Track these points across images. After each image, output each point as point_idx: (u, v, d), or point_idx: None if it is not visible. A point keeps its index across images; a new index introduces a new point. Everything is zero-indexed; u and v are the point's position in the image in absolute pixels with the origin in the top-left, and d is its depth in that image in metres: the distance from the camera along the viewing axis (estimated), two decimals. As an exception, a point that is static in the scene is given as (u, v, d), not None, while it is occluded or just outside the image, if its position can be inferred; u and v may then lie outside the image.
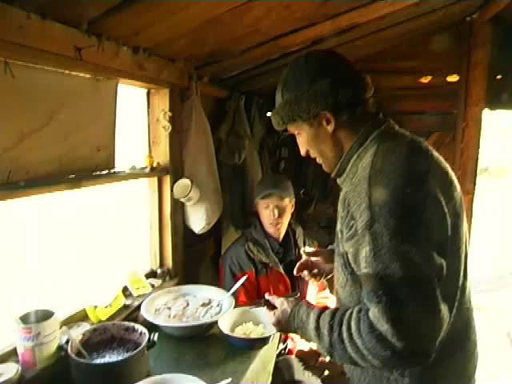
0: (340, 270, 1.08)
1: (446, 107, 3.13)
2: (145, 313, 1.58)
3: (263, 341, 1.56)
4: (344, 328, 0.91)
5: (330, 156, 1.09)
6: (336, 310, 0.99)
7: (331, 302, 2.01)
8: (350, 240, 0.95)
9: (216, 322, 1.58)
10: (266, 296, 1.19)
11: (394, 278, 0.84)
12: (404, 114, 3.13)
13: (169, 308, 1.67)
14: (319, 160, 1.13)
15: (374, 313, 0.86)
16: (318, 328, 0.97)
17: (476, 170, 2.97)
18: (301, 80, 1.03)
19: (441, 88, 3.09)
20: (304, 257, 1.45)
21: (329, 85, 0.99)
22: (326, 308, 1.03)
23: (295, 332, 1.07)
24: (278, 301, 1.14)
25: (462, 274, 1.02)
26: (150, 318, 1.55)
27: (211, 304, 1.70)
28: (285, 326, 1.10)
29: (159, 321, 1.57)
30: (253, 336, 1.59)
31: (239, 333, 1.61)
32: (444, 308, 0.86)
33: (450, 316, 0.92)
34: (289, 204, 2.06)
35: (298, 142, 1.13)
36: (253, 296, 1.97)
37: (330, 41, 2.14)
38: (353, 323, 0.90)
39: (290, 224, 2.15)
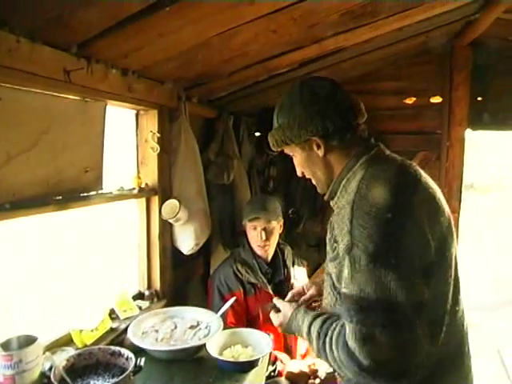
0: (329, 290, 1.10)
1: (430, 127, 3.20)
2: (132, 336, 1.55)
3: (252, 363, 1.53)
4: (327, 339, 0.98)
5: (322, 178, 1.12)
6: (327, 318, 1.04)
7: None
8: (333, 261, 1.00)
9: (204, 345, 1.55)
10: (274, 300, 1.26)
11: (368, 301, 0.88)
12: (390, 133, 3.19)
13: (156, 331, 1.64)
14: (313, 181, 1.17)
15: (347, 330, 0.91)
16: (309, 333, 1.05)
17: (461, 188, 3.03)
18: (293, 107, 1.07)
19: (425, 108, 3.18)
20: (295, 287, 1.52)
21: (318, 112, 1.03)
22: (321, 314, 1.08)
23: (295, 334, 1.16)
24: (281, 304, 1.23)
25: (450, 297, 1.01)
26: (137, 342, 1.52)
27: (199, 326, 1.67)
28: (286, 328, 1.18)
29: (146, 344, 1.53)
30: (242, 359, 1.57)
31: (228, 355, 1.58)
32: (419, 334, 0.87)
33: (433, 341, 0.94)
34: (277, 225, 2.06)
35: (294, 162, 1.18)
36: (242, 317, 1.95)
37: (317, 63, 2.20)
38: (334, 336, 0.96)
39: (278, 244, 2.15)
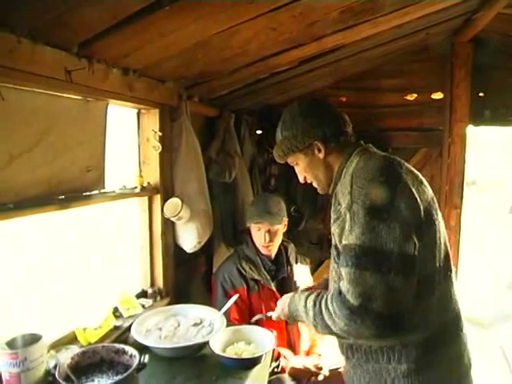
0: (333, 263, 1.25)
1: (431, 124, 3.19)
2: (135, 334, 1.56)
3: (255, 360, 1.54)
4: (323, 301, 1.15)
5: (323, 179, 1.30)
6: (321, 292, 1.22)
7: None
8: (336, 222, 1.16)
9: (207, 342, 1.56)
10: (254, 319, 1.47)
11: (362, 248, 1.04)
12: (391, 130, 3.20)
13: (160, 328, 1.65)
14: (314, 184, 1.34)
15: (342, 275, 1.07)
16: (305, 306, 1.21)
17: (463, 185, 3.02)
18: (295, 120, 1.28)
19: (426, 105, 3.17)
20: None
21: (317, 121, 1.25)
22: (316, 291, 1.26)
23: (292, 317, 1.32)
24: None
25: (439, 259, 1.16)
26: (141, 339, 1.53)
27: (202, 324, 1.68)
28: (286, 313, 1.35)
29: (150, 342, 1.54)
30: (245, 355, 1.57)
31: (231, 352, 1.59)
32: (406, 282, 1.03)
33: (421, 294, 1.09)
34: (281, 226, 2.06)
35: (297, 171, 1.36)
36: (245, 313, 1.96)
37: (317, 61, 2.20)
38: (329, 296, 1.13)
39: (282, 241, 2.15)
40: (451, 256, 1.25)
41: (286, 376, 1.85)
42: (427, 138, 3.22)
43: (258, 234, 2.03)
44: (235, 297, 1.79)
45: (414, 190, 1.10)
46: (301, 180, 1.37)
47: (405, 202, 1.07)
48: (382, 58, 2.98)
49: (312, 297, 1.21)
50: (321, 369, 1.87)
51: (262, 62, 1.92)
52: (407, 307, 1.06)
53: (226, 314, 1.73)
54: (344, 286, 1.06)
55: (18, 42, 1.09)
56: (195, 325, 1.67)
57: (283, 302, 1.39)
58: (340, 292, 1.07)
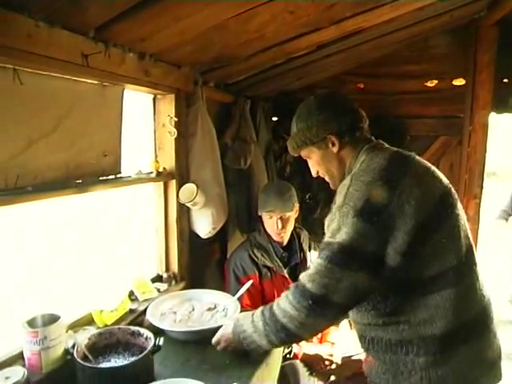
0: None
1: (452, 111, 3.11)
2: (150, 317, 1.58)
3: None
4: (273, 305, 1.18)
5: (335, 173, 1.30)
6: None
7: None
8: (328, 217, 1.18)
9: (221, 327, 1.58)
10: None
11: (343, 246, 1.05)
12: (410, 117, 3.13)
13: (174, 312, 1.67)
14: (327, 178, 1.34)
15: (312, 266, 1.11)
16: (252, 320, 1.23)
17: (483, 174, 2.94)
18: (311, 112, 1.27)
19: (447, 92, 3.08)
20: None
21: (333, 114, 1.24)
22: None
23: (236, 340, 1.31)
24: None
25: (456, 254, 1.13)
26: (156, 322, 1.56)
27: (217, 309, 1.70)
28: (227, 336, 1.35)
29: (164, 325, 1.57)
30: None
31: None
32: (371, 281, 1.07)
33: (432, 287, 1.10)
34: (292, 213, 2.05)
35: (310, 165, 1.37)
36: (257, 300, 1.97)
37: (335, 45, 2.15)
38: (282, 295, 1.17)
39: (294, 228, 2.14)
40: (474, 250, 1.22)
41: (298, 362, 1.86)
42: (447, 126, 3.14)
43: (270, 221, 2.03)
44: (249, 283, 1.80)
45: (417, 190, 1.08)
46: (313, 174, 1.38)
47: (401, 207, 1.05)
48: (403, 43, 2.90)
49: (257, 311, 1.25)
50: (333, 356, 1.88)
51: (279, 47, 1.89)
52: (357, 301, 1.13)
53: (239, 300, 1.74)
54: (309, 275, 1.10)
55: (35, 26, 1.09)
56: (209, 309, 1.69)
57: (223, 329, 1.40)
58: (297, 286, 1.12)
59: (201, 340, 1.56)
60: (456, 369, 1.12)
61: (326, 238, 1.13)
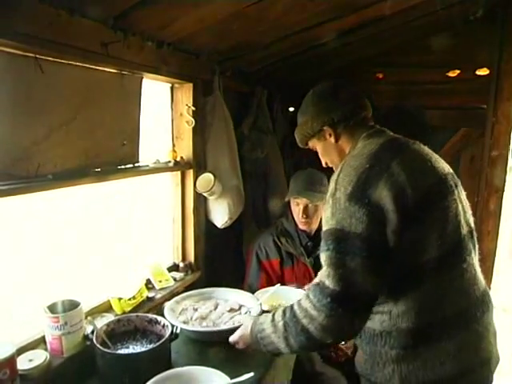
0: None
1: (474, 102, 3.01)
2: (167, 311, 1.56)
3: None
4: (295, 304, 1.12)
5: (338, 163, 1.30)
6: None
7: None
8: (324, 207, 1.14)
9: (237, 329, 1.47)
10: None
11: (343, 232, 1.03)
12: (430, 108, 3.05)
13: (195, 309, 1.63)
14: (334, 168, 1.33)
15: (322, 260, 1.06)
16: (273, 319, 1.17)
17: (506, 168, 2.86)
18: (307, 107, 1.32)
19: (469, 82, 2.98)
20: None
21: (326, 106, 1.27)
22: None
23: (255, 340, 1.22)
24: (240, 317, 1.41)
25: (442, 247, 1.08)
26: (169, 317, 1.50)
27: (240, 311, 1.65)
28: (246, 335, 1.28)
29: (176, 322, 1.50)
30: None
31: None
32: (380, 265, 1.03)
33: (412, 278, 1.07)
34: (320, 203, 1.99)
35: (319, 155, 1.39)
36: (274, 284, 1.96)
37: (355, 34, 2.11)
38: (304, 294, 1.11)
39: None
40: (475, 240, 1.19)
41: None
42: (468, 117, 3.05)
43: (297, 208, 2.03)
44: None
45: (405, 175, 1.05)
46: (323, 164, 1.40)
47: (389, 189, 1.02)
48: (423, 31, 2.82)
49: (279, 310, 1.18)
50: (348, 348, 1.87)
51: (298, 35, 1.86)
52: (380, 290, 1.06)
53: (256, 282, 1.75)
54: (324, 270, 1.05)
55: (57, 14, 1.10)
56: (231, 310, 1.64)
57: (243, 328, 1.32)
58: (318, 283, 1.06)
59: (212, 340, 1.51)
60: (429, 366, 1.08)
61: (325, 228, 1.09)
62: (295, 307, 1.11)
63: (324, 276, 1.04)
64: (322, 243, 1.08)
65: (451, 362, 1.09)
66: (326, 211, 1.10)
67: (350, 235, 1.02)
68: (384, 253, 1.03)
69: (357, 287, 1.01)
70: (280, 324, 1.13)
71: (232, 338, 1.34)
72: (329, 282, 1.02)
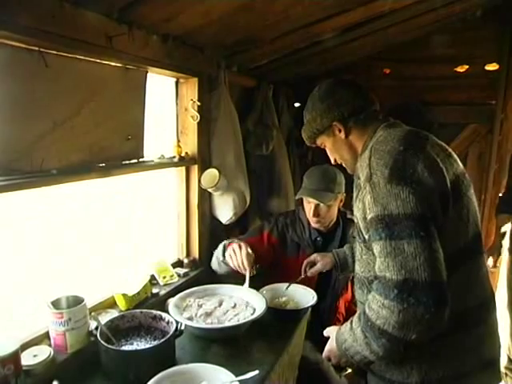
0: (356, 242, 1.23)
1: (483, 98, 2.97)
2: (171, 306, 1.52)
3: (304, 311, 1.65)
4: (366, 308, 1.04)
5: (348, 158, 1.30)
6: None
7: None
8: (358, 197, 1.10)
9: (241, 326, 1.48)
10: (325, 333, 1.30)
11: (392, 217, 0.97)
12: (438, 104, 3.01)
13: (200, 306, 1.59)
14: (344, 164, 1.35)
15: (376, 252, 1.00)
16: (351, 327, 1.11)
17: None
18: (315, 104, 1.30)
19: (478, 77, 2.94)
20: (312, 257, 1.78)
21: (334, 101, 1.25)
22: None
23: (342, 352, 1.15)
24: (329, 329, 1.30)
25: (464, 239, 1.08)
26: (173, 313, 1.47)
27: (243, 307, 1.59)
28: (334, 349, 1.20)
29: (181, 318, 1.46)
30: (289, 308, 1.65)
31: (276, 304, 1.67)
32: (437, 244, 0.95)
33: (445, 264, 0.96)
34: (333, 202, 1.95)
35: (327, 152, 1.38)
36: (263, 257, 1.92)
37: (362, 29, 2.07)
38: (369, 296, 1.04)
39: (344, 216, 2.07)
40: (483, 239, 1.17)
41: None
42: (477, 113, 3.01)
43: (308, 206, 1.98)
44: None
45: (439, 160, 1.05)
46: (332, 161, 1.39)
47: (428, 170, 1.00)
48: (431, 26, 2.78)
49: (355, 316, 1.11)
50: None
51: (305, 30, 1.84)
52: (442, 275, 0.95)
53: (247, 238, 1.86)
54: (381, 263, 0.97)
55: (60, 6, 1.08)
56: (235, 307, 1.59)
57: (330, 341, 1.24)
58: (379, 279, 0.98)
59: (216, 337, 1.48)
60: (450, 360, 1.08)
61: (370, 215, 1.02)
62: (366, 310, 1.03)
63: (383, 269, 0.96)
64: (372, 233, 1.01)
65: (472, 356, 1.09)
66: (363, 197, 1.05)
67: (400, 218, 0.95)
68: (436, 231, 0.97)
69: (421, 275, 0.92)
70: (358, 330, 1.06)
71: (324, 355, 1.27)
72: (390, 274, 0.94)
